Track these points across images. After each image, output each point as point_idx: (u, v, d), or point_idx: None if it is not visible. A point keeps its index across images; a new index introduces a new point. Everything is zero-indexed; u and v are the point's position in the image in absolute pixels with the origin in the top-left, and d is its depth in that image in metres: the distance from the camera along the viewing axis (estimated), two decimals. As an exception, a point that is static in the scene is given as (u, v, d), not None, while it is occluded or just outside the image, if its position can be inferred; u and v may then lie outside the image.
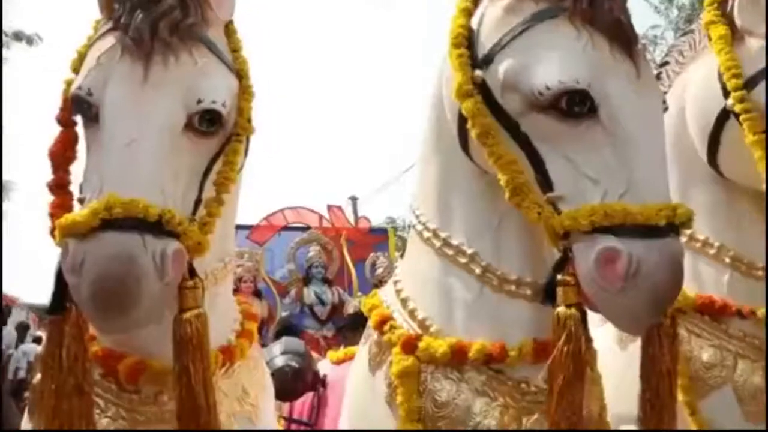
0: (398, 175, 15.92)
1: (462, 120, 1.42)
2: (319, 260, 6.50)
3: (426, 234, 1.55)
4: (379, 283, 6.18)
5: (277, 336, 3.78)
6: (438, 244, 1.51)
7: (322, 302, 6.28)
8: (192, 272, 1.33)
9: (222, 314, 1.58)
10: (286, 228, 7.15)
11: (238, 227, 1.74)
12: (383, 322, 1.55)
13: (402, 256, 1.77)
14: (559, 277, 1.27)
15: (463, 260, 1.48)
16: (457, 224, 1.50)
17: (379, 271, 6.65)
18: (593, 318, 1.31)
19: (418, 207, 1.61)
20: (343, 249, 6.86)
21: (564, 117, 1.28)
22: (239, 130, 1.48)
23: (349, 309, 5.57)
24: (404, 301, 1.56)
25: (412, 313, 1.53)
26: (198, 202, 1.39)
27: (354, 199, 17.47)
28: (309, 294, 6.28)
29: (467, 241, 1.48)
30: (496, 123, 1.35)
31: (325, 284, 6.49)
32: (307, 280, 6.45)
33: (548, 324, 1.31)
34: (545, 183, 1.31)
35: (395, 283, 1.64)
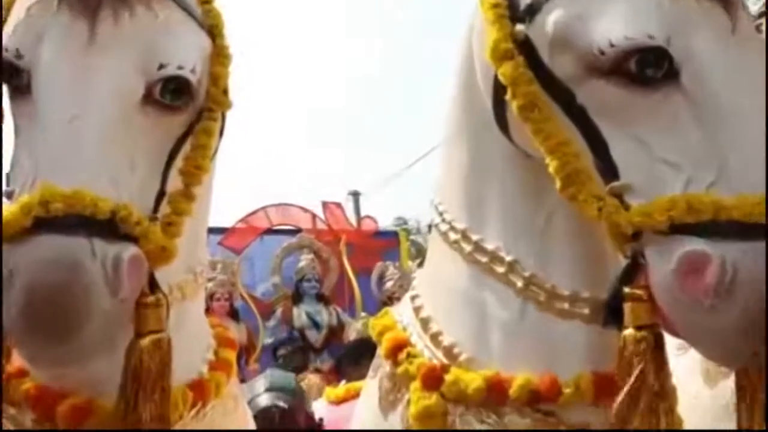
0: (409, 164, 16.01)
1: (499, 89, 1.41)
2: (312, 272, 6.49)
3: (452, 236, 1.55)
4: (389, 300, 6.17)
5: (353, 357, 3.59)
6: (468, 248, 1.51)
7: (316, 325, 6.27)
8: (153, 286, 1.31)
9: (192, 339, 1.58)
10: (269, 231, 7.16)
11: (209, 230, 1.74)
12: (398, 349, 1.55)
13: (419, 264, 1.78)
14: (626, 290, 1.24)
15: (500, 269, 1.47)
16: (492, 223, 1.50)
17: (389, 284, 6.64)
18: (671, 344, 1.29)
19: (441, 201, 1.61)
20: (342, 257, 6.87)
21: (634, 83, 1.25)
22: (212, 104, 1.48)
23: (351, 334, 5.56)
24: (425, 322, 1.56)
25: (435, 338, 1.53)
26: (161, 195, 1.38)
27: (355, 195, 17.48)
28: (299, 315, 6.28)
29: (506, 244, 1.48)
30: (544, 92, 1.33)
31: (320, 302, 6.49)
32: (296, 298, 6.45)
33: (612, 352, 1.29)
34: (608, 169, 1.29)
35: (413, 299, 1.64)
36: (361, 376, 1.63)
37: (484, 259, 1.49)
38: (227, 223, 7.13)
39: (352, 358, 4.97)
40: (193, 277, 1.59)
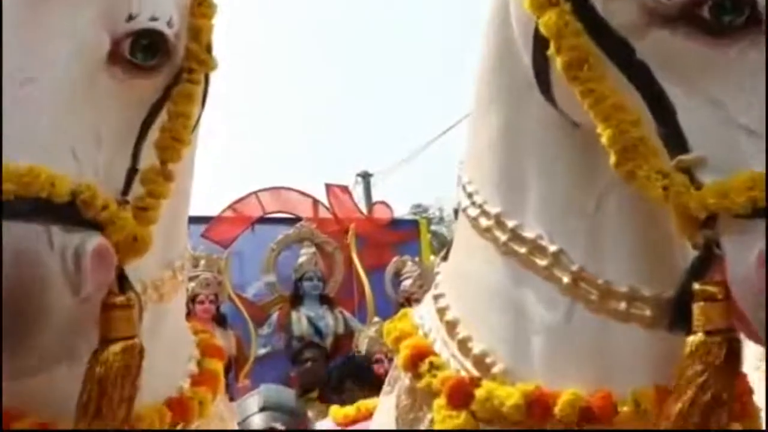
0: (429, 140, 16.05)
1: (541, 43, 1.39)
2: (314, 269, 6.52)
3: (484, 222, 1.55)
4: (406, 302, 6.20)
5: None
6: (503, 237, 1.51)
7: (320, 333, 6.30)
8: (123, 283, 1.31)
9: (170, 348, 1.59)
10: (262, 220, 7.19)
11: (191, 219, 1.76)
12: (419, 359, 1.56)
13: (444, 258, 1.78)
14: (697, 287, 1.23)
15: (542, 262, 1.47)
16: (532, 206, 1.50)
17: (407, 283, 6.67)
18: (752, 354, 1.28)
19: (471, 180, 1.61)
20: (350, 251, 6.88)
21: (707, 33, 1.23)
22: (193, 64, 1.47)
23: (362, 343, 5.61)
24: (451, 326, 1.57)
25: (463, 345, 1.53)
26: (132, 174, 1.38)
27: (365, 177, 17.55)
28: (299, 320, 6.32)
29: (549, 232, 1.48)
30: (595, 45, 1.32)
31: (324, 305, 6.51)
32: (296, 299, 6.47)
33: (678, 362, 1.28)
34: (675, 140, 1.27)
35: (436, 299, 1.64)
36: (344, 403, 1.66)
37: (523, 250, 1.49)
38: (212, 211, 7.18)
39: (334, 382, 5.04)
40: (172, 273, 1.59)
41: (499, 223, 1.52)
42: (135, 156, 1.39)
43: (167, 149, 1.43)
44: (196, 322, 1.87)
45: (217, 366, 1.69)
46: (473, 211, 1.58)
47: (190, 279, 4.96)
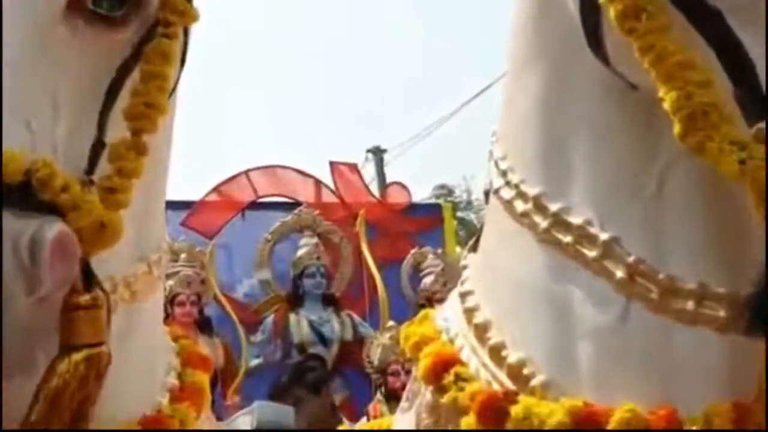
0: (453, 111, 16.03)
1: (589, -10, 1.40)
2: (317, 263, 6.52)
3: (521, 205, 1.55)
4: (427, 302, 6.12)
5: None
6: (543, 222, 1.52)
7: (323, 339, 6.31)
8: (89, 279, 1.32)
9: (145, 357, 1.60)
10: (254, 205, 7.19)
11: (169, 205, 1.77)
12: (443, 369, 1.57)
13: (472, 249, 1.78)
14: (780, 282, 1.24)
15: (592, 253, 1.47)
16: (579, 186, 1.50)
17: (428, 280, 6.65)
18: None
19: (505, 155, 1.62)
20: (360, 242, 6.87)
21: None
22: (170, 15, 1.47)
23: (374, 352, 5.61)
24: (481, 330, 1.58)
25: (496, 352, 1.54)
26: (98, 148, 1.39)
27: (378, 153, 17.53)
28: (299, 324, 6.33)
29: (599, 216, 1.48)
30: None
31: (329, 306, 6.51)
32: (295, 300, 6.47)
33: (757, 373, 1.29)
34: (755, 104, 1.27)
35: (463, 297, 1.66)
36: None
37: (568, 238, 1.49)
38: (195, 194, 7.20)
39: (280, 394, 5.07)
40: (147, 268, 1.60)
41: (539, 206, 1.52)
42: (101, 126, 1.39)
43: (140, 118, 1.43)
44: (176, 327, 1.89)
45: (202, 379, 1.70)
46: (508, 193, 1.58)
47: (168, 276, 4.96)
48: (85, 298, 1.30)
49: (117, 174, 1.39)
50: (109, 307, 1.34)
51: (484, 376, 1.54)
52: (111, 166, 1.39)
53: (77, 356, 1.29)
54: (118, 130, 1.42)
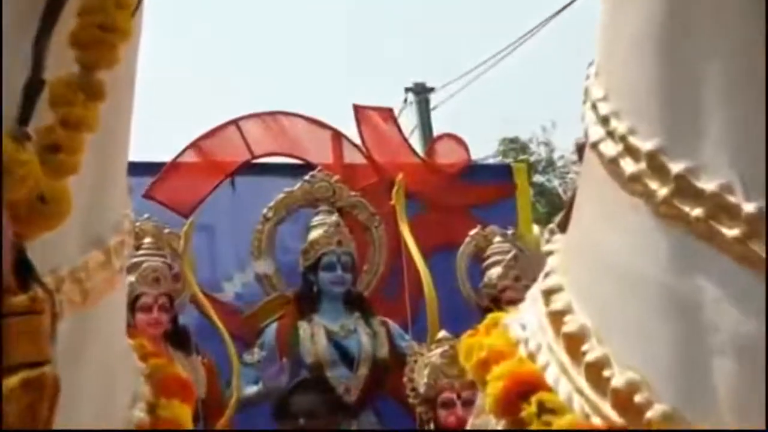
0: (520, 38, 15.87)
1: None
2: (338, 250, 6.42)
3: (629, 164, 1.58)
4: (494, 303, 6.17)
5: None
6: (663, 189, 1.54)
7: (347, 357, 6.25)
8: (25, 274, 1.34)
9: (103, 382, 1.64)
10: (248, 168, 7.15)
11: (132, 168, 1.77)
12: (521, 396, 1.60)
13: (561, 226, 1.79)
14: None
15: (732, 231, 1.49)
16: (713, 137, 1.52)
17: (495, 272, 6.54)
18: None
19: (606, 95, 1.64)
20: (398, 219, 6.81)
21: None
22: None
23: (420, 374, 5.52)
24: (575, 341, 1.61)
25: (596, 372, 1.57)
26: (34, 88, 1.41)
27: (422, 93, 17.38)
28: (313, 336, 6.27)
29: (743, 180, 1.50)
30: None
31: (354, 311, 6.44)
32: (307, 302, 6.40)
33: None
34: None
35: (548, 295, 1.69)
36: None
37: (698, 211, 1.51)
38: (166, 154, 7.24)
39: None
40: (104, 257, 1.63)
41: (657, 165, 1.54)
42: (38, 58, 1.41)
43: (92, 46, 1.45)
44: (145, 340, 1.90)
45: (181, 412, 1.74)
46: (611, 147, 1.60)
47: (128, 269, 4.98)
48: (20, 301, 1.32)
49: (62, 125, 1.41)
50: (54, 311, 1.37)
51: (579, 404, 1.57)
52: (53, 114, 1.42)
53: (11, 381, 1.32)
54: (62, 64, 1.44)
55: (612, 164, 1.60)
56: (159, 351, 1.94)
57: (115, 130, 1.60)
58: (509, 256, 6.51)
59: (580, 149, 1.80)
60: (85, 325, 1.60)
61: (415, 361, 5.78)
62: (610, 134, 1.61)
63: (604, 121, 1.62)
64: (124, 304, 1.76)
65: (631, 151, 1.57)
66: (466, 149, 7.78)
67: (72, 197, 1.38)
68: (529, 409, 1.59)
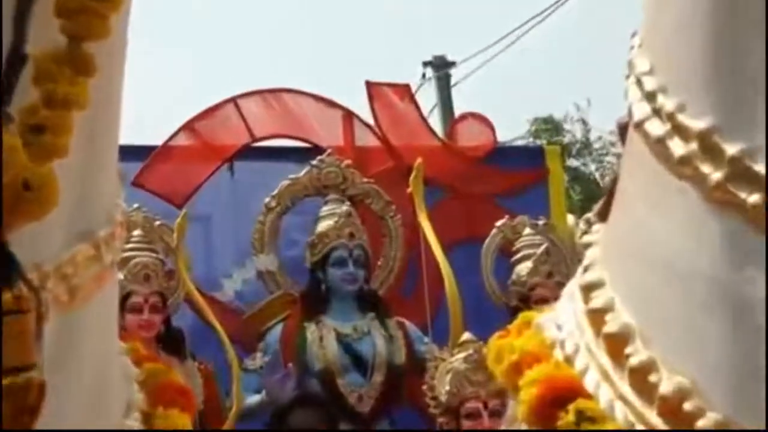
0: (552, 5, 15.83)
1: None
2: (350, 243, 6.41)
3: (678, 146, 1.58)
4: (524, 302, 6.21)
5: None
6: (717, 173, 1.54)
7: (359, 362, 6.25)
8: (9, 270, 1.35)
9: (93, 390, 1.64)
10: (249, 152, 7.16)
11: (123, 152, 1.78)
12: (557, 404, 1.61)
13: (601, 215, 1.79)
14: None
15: None
16: None
17: (524, 267, 6.53)
18: None
19: (652, 69, 1.65)
20: (417, 208, 6.79)
21: None
22: None
23: (442, 382, 5.49)
24: (616, 343, 1.61)
25: (640, 377, 1.57)
26: (16, 62, 1.42)
27: (442, 68, 17.33)
28: (322, 340, 6.27)
29: None
30: None
31: (368, 311, 6.42)
32: (314, 302, 6.39)
33: None
34: None
35: (586, 291, 1.70)
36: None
37: (755, 197, 1.51)
38: (158, 137, 7.26)
39: None
40: (93, 251, 1.64)
41: (709, 146, 1.54)
42: (19, 29, 1.42)
43: (80, 15, 1.46)
44: (139, 343, 1.91)
45: (181, 422, 1.75)
46: (658, 126, 1.60)
47: (119, 264, 4.98)
48: (4, 300, 1.33)
49: (46, 103, 1.42)
50: (40, 311, 1.38)
51: (623, 413, 1.57)
52: (38, 92, 1.42)
53: None
54: (47, 36, 1.44)
55: (659, 145, 1.60)
56: (150, 355, 1.94)
57: (106, 109, 1.60)
58: (540, 249, 6.51)
59: (622, 129, 1.79)
60: (72, 327, 1.60)
61: (436, 367, 5.76)
62: (657, 112, 1.61)
63: (650, 97, 1.62)
64: (115, 303, 1.76)
65: (680, 131, 1.57)
66: (492, 130, 7.78)
67: (58, 185, 1.39)
68: (567, 418, 1.59)
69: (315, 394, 5.99)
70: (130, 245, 5.80)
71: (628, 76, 1.71)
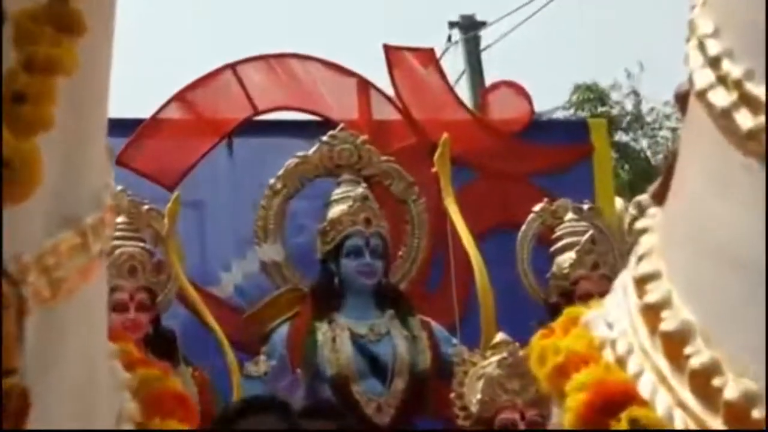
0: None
1: None
2: (367, 231, 6.40)
3: (747, 118, 1.57)
4: (565, 297, 6.31)
5: None
6: None
7: (377, 367, 6.24)
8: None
9: (79, 396, 1.66)
10: (250, 127, 7.14)
11: (112, 126, 1.79)
12: (609, 411, 1.62)
13: (658, 198, 1.79)
14: None
15: None
16: None
17: (566, 259, 6.53)
18: None
19: (717, 31, 1.64)
20: (443, 191, 6.79)
21: None
22: None
23: (472, 389, 5.49)
24: (675, 342, 1.62)
25: (703, 381, 1.58)
26: None
27: (470, 29, 17.30)
28: (334, 341, 6.27)
29: None
30: None
31: (387, 308, 6.43)
32: (326, 297, 6.40)
33: None
34: None
35: (641, 284, 1.70)
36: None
37: None
38: (146, 110, 7.29)
39: None
40: (79, 238, 1.65)
41: None
42: None
43: None
44: (131, 344, 1.92)
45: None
46: (723, 96, 1.60)
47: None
48: None
49: (26, 68, 1.44)
50: (22, 307, 1.39)
51: (682, 421, 1.58)
52: (17, 55, 1.45)
53: None
54: None
55: (724, 117, 1.60)
56: (140, 357, 1.95)
57: (93, 75, 1.61)
58: (585, 237, 6.50)
59: (681, 99, 1.78)
60: (54, 325, 1.61)
61: (466, 372, 5.77)
62: (722, 79, 1.60)
63: (714, 62, 1.62)
64: (104, 299, 1.77)
65: (748, 101, 1.57)
66: (529, 100, 7.78)
67: (42, 163, 1.40)
68: (619, 427, 1.59)
69: (327, 404, 5.98)
70: (114, 233, 5.79)
71: (688, 39, 1.70)
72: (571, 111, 20.19)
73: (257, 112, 7.23)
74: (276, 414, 5.61)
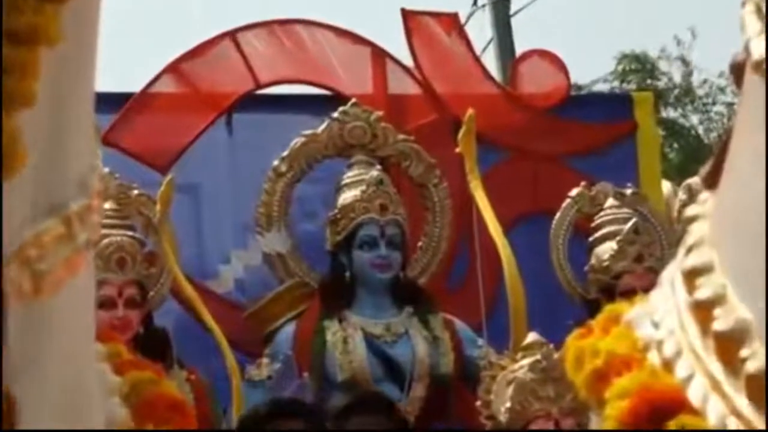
0: None
1: None
2: (382, 219, 6.39)
3: None
4: (605, 293, 6.31)
5: None
6: None
7: (394, 371, 6.24)
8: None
9: (65, 402, 1.67)
10: (251, 101, 7.13)
11: (99, 101, 1.80)
12: (656, 419, 1.63)
13: (709, 181, 1.80)
14: None
15: None
16: None
17: (606, 250, 6.51)
18: None
19: None
20: (468, 174, 6.77)
21: None
22: None
23: (501, 395, 5.49)
24: (729, 344, 1.61)
25: (758, 383, 1.57)
26: None
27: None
28: (346, 342, 6.28)
29: None
30: None
31: (405, 305, 6.42)
32: (336, 293, 6.40)
33: None
34: None
35: (691, 278, 1.70)
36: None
37: None
38: (136, 83, 7.25)
39: None
40: (63, 227, 1.66)
41: None
42: None
43: None
44: (121, 345, 1.93)
45: None
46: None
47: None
48: None
49: (8, 38, 1.45)
50: (1, 303, 1.40)
51: (734, 425, 1.58)
52: None
53: None
54: None
55: None
56: (142, 361, 1.96)
57: (80, 47, 1.62)
58: (628, 226, 6.49)
59: (736, 70, 1.78)
60: (36, 323, 1.62)
61: (493, 377, 5.76)
62: None
63: None
64: (91, 294, 1.78)
65: None
66: (565, 72, 7.77)
67: (25, 143, 1.41)
68: (672, 436, 1.59)
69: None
70: (104, 219, 5.79)
71: (744, 3, 1.70)
72: (614, 84, 20.12)
73: (259, 86, 7.22)
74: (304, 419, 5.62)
